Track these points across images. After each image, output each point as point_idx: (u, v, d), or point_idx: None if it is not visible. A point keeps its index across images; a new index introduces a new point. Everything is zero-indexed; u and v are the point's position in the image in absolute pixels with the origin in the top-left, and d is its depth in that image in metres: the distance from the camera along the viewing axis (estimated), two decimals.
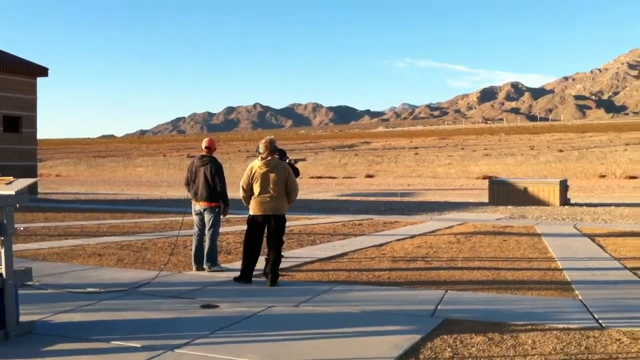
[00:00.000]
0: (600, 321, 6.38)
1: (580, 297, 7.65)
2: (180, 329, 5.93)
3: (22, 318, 5.75)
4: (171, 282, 8.46)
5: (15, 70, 35.00)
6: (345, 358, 5.14)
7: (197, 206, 9.58)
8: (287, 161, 9.69)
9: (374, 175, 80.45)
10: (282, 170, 8.51)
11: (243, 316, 6.44)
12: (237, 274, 8.54)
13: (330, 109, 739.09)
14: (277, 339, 5.65)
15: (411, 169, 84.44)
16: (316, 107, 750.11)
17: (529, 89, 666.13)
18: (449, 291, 7.95)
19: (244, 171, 8.86)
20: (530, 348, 5.47)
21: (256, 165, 8.53)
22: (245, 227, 8.80)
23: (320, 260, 10.63)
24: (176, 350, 5.20)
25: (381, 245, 12.80)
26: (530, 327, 6.15)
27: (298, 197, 9.24)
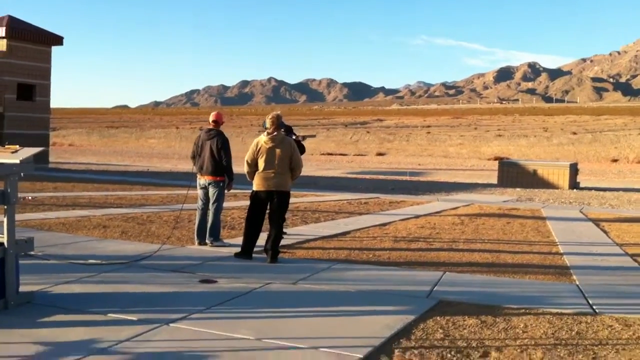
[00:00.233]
0: (594, 307, 6.42)
1: (577, 282, 7.68)
2: (178, 303, 6.02)
3: (22, 288, 5.85)
4: (173, 255, 8.56)
5: (30, 38, 35.10)
6: (337, 336, 5.20)
7: (201, 180, 9.64)
8: (294, 137, 9.70)
9: (385, 154, 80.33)
10: (287, 146, 8.53)
11: (240, 292, 6.52)
12: (239, 249, 8.62)
13: (345, 85, 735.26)
14: (272, 316, 5.73)
15: (422, 147, 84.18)
16: (331, 83, 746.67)
17: (546, 70, 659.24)
18: (446, 273, 8.00)
19: None
20: (521, 332, 5.52)
21: (262, 140, 8.55)
22: None
23: (323, 238, 10.70)
24: (171, 325, 5.29)
25: (384, 224, 12.85)
26: (523, 310, 6.20)
27: (306, 174, 9.31)
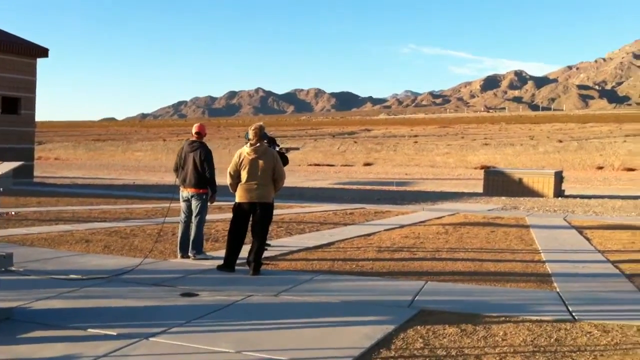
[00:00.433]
0: (573, 314, 6.47)
1: (557, 290, 7.74)
2: (158, 317, 6.01)
3: (1, 304, 5.81)
4: (155, 269, 8.54)
5: (14, 50, 34.85)
6: (317, 347, 5.22)
7: (184, 192, 9.63)
8: (278, 149, 9.73)
9: (372, 164, 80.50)
10: (270, 158, 8.54)
11: (221, 305, 6.52)
12: (222, 262, 8.61)
13: (333, 95, 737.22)
14: (253, 328, 5.73)
15: (410, 157, 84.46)
16: (318, 93, 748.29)
17: (532, 78, 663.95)
18: (429, 282, 8.03)
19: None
20: (500, 339, 5.56)
21: (245, 151, 8.56)
22: None
23: (307, 249, 10.70)
24: (151, 339, 5.28)
25: (369, 235, 12.88)
26: (504, 318, 6.24)
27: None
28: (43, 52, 36.81)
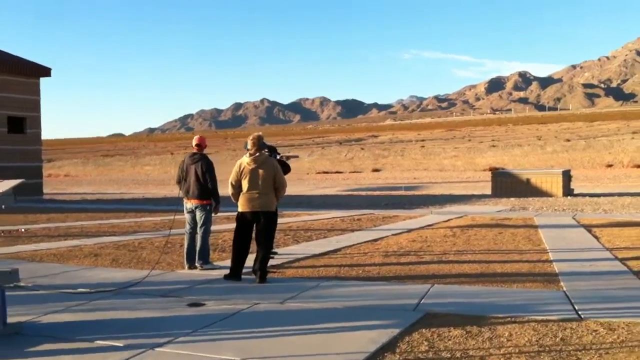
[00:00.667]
0: (579, 312, 6.46)
1: (564, 289, 7.72)
2: (165, 327, 6.05)
3: (11, 319, 5.88)
4: (162, 281, 8.59)
5: (17, 71, 35.22)
6: (322, 353, 5.24)
7: (188, 204, 9.71)
8: (278, 157, 9.78)
9: (380, 169, 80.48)
10: (270, 167, 8.59)
11: (227, 314, 6.55)
12: (228, 271, 8.66)
13: (338, 102, 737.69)
14: (259, 336, 5.76)
15: (417, 162, 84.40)
16: (324, 101, 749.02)
17: (536, 78, 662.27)
18: (435, 285, 8.04)
19: None
20: (505, 340, 5.55)
21: (245, 161, 8.62)
22: None
23: (314, 256, 10.74)
24: (157, 349, 5.32)
25: (376, 240, 12.89)
26: (509, 319, 6.23)
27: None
28: (45, 72, 37.15)
